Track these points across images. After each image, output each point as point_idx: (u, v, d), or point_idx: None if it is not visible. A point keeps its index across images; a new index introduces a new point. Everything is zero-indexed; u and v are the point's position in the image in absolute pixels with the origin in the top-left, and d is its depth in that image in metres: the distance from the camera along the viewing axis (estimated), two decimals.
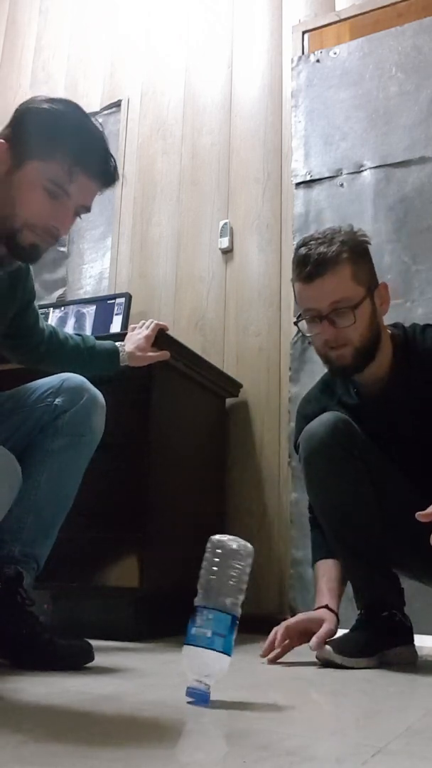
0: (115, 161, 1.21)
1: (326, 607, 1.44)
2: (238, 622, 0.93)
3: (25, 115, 1.17)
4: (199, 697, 0.89)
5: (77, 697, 0.97)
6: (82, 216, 1.24)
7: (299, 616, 1.46)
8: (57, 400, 1.37)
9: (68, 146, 1.15)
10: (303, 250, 1.40)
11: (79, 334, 1.63)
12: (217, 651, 0.90)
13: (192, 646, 0.90)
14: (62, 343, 1.56)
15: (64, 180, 1.15)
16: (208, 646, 0.89)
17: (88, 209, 1.22)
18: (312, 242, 1.40)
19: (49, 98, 1.19)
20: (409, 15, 2.40)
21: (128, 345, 1.70)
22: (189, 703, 0.89)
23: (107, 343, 1.67)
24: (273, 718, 0.87)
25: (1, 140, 1.16)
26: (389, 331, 1.48)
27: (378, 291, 1.44)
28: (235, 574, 0.93)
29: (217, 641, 0.90)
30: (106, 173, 1.20)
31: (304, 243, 1.41)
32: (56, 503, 1.34)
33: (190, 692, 0.90)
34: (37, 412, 1.37)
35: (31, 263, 1.29)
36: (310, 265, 1.37)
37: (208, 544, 0.95)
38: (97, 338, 1.68)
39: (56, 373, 1.44)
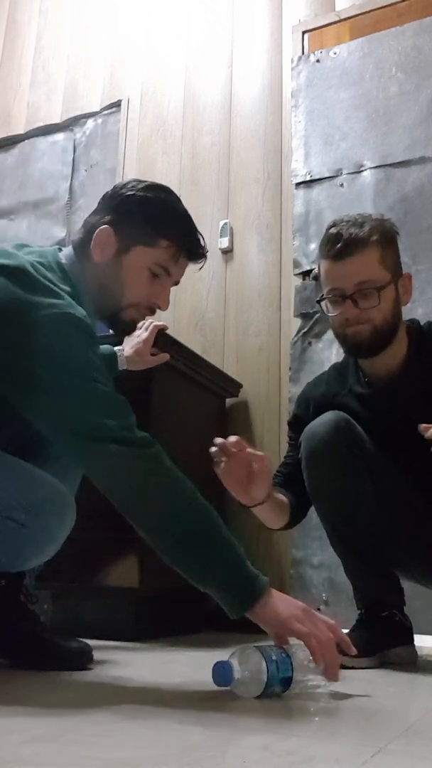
0: (204, 239, 1.29)
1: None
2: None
3: (127, 202, 1.23)
4: (224, 675, 0.94)
5: (77, 697, 0.97)
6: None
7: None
8: None
9: (173, 233, 1.23)
10: (334, 230, 1.40)
11: None
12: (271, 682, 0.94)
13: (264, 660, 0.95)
14: None
15: (170, 264, 1.24)
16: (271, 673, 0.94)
17: (178, 283, 1.32)
18: (343, 224, 1.41)
19: (145, 185, 1.25)
20: (409, 15, 2.40)
21: (127, 348, 1.70)
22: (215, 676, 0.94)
23: (105, 347, 1.66)
24: (273, 718, 0.87)
25: (106, 225, 1.22)
26: (406, 325, 1.49)
27: (402, 280, 1.45)
28: None
29: (275, 676, 0.95)
30: (201, 254, 1.29)
31: (334, 224, 1.43)
32: None
33: (221, 667, 0.95)
34: None
35: (126, 335, 1.42)
36: (341, 243, 1.38)
37: None
38: None
39: None
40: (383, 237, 1.40)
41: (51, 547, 1.17)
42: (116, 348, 1.69)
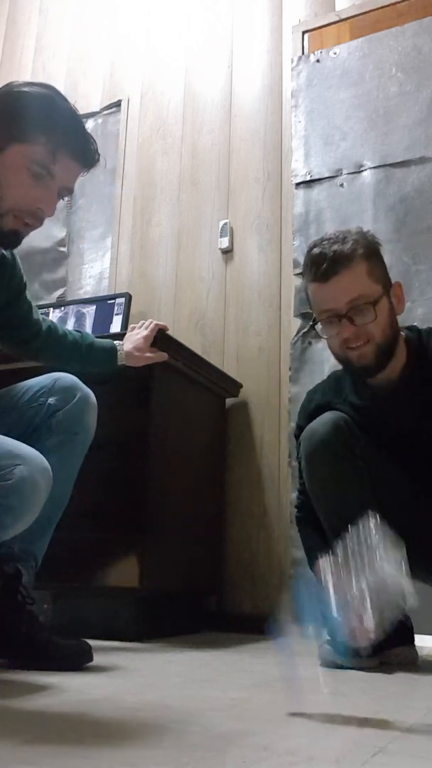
0: (95, 143, 1.24)
1: None
2: None
3: (4, 99, 1.18)
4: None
5: (77, 697, 0.97)
6: (66, 198, 1.26)
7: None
8: (50, 399, 1.37)
9: (51, 128, 1.17)
10: (316, 250, 1.37)
11: (78, 331, 1.64)
12: None
13: None
14: (60, 338, 1.56)
15: (49, 161, 1.17)
16: None
17: (70, 191, 1.25)
18: (325, 242, 1.38)
19: (27, 82, 1.22)
20: (409, 15, 2.40)
21: (127, 344, 1.70)
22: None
23: (106, 341, 1.67)
24: (273, 718, 0.86)
25: None
26: (403, 334, 1.47)
27: (393, 290, 1.43)
28: None
29: None
30: (88, 154, 1.22)
31: (316, 244, 1.39)
32: (52, 501, 1.34)
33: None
34: (30, 412, 1.37)
35: (12, 248, 1.30)
36: (326, 263, 1.35)
37: None
38: (97, 337, 1.68)
39: (52, 369, 1.45)
40: (368, 250, 1.37)
41: (28, 514, 1.13)
42: (116, 343, 1.69)
